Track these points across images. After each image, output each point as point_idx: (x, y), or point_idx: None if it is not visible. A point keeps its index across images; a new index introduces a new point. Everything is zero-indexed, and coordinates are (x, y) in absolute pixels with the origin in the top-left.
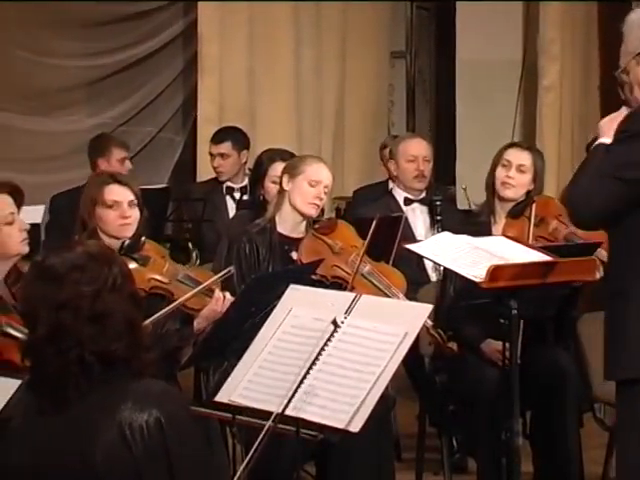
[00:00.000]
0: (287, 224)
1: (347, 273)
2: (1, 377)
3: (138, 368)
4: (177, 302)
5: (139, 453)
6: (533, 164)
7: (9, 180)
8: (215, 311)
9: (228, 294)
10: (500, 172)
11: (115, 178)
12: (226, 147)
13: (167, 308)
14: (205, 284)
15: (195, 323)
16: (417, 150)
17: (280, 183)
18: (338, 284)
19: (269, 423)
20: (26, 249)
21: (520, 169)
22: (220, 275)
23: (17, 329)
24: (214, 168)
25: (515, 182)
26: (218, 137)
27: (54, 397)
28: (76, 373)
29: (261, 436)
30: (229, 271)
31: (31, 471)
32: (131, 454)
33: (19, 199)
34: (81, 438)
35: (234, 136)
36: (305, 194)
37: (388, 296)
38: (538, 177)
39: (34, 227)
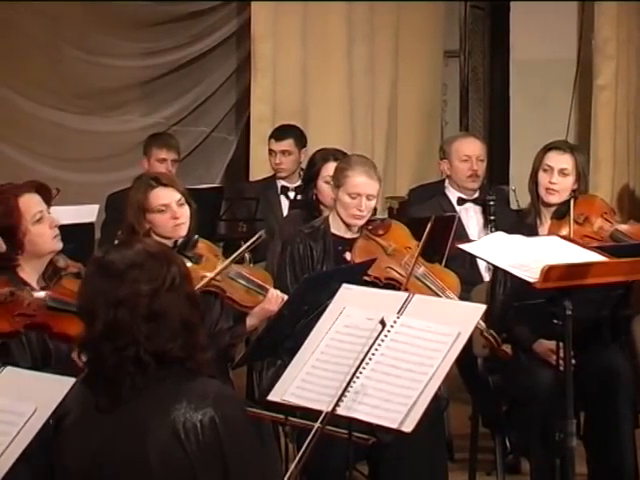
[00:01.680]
0: (340, 225)
1: (401, 275)
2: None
3: (193, 368)
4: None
5: (193, 452)
6: (575, 166)
7: (36, 179)
8: (267, 309)
9: (279, 292)
10: (543, 178)
11: (158, 180)
12: (288, 144)
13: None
14: (235, 255)
15: (247, 320)
16: (471, 150)
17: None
18: (391, 285)
19: (317, 424)
20: (59, 246)
21: (563, 173)
22: (251, 241)
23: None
24: (275, 165)
25: (558, 187)
26: (280, 134)
27: (110, 394)
28: (131, 371)
29: (310, 435)
30: (260, 236)
31: (87, 468)
32: (185, 453)
33: (47, 196)
34: (135, 436)
35: (295, 134)
36: (346, 206)
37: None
38: (582, 177)
39: (88, 226)
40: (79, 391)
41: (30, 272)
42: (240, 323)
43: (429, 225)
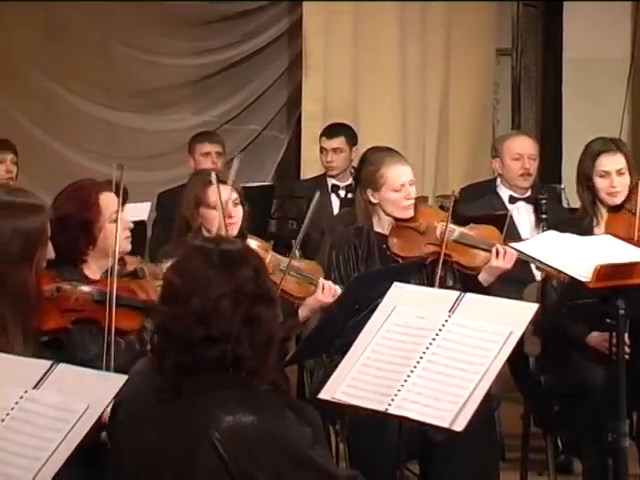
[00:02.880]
0: (384, 224)
1: (438, 245)
2: (106, 372)
3: (254, 382)
4: None
5: (236, 458)
6: (627, 161)
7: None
8: (320, 300)
9: (332, 283)
10: (601, 183)
11: (217, 178)
12: (340, 142)
13: None
14: (299, 238)
15: (300, 312)
16: (523, 148)
17: (366, 196)
18: (437, 260)
19: None
20: (128, 247)
21: (620, 173)
22: (313, 204)
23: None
24: (326, 163)
25: (620, 187)
26: (331, 132)
27: (175, 381)
28: (209, 366)
29: None
30: (316, 196)
31: (140, 458)
32: (225, 461)
33: (124, 198)
34: (186, 434)
35: (347, 132)
36: (395, 202)
37: (487, 250)
38: (633, 167)
39: (140, 224)
40: (139, 381)
41: (96, 270)
42: (293, 316)
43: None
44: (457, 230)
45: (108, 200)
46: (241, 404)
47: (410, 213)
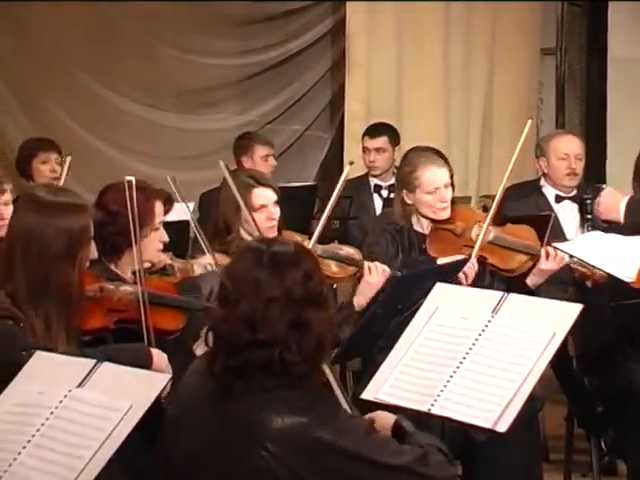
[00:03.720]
0: (423, 224)
1: (473, 247)
2: (150, 371)
3: (306, 384)
4: None
5: (285, 461)
6: None
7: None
8: (370, 283)
9: (379, 263)
10: None
11: (257, 180)
12: (383, 141)
13: None
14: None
15: (354, 300)
16: (569, 148)
17: (400, 195)
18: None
19: None
20: (157, 258)
21: None
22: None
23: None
24: (369, 163)
25: None
26: (374, 132)
27: (224, 384)
28: (257, 370)
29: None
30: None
31: (194, 456)
32: (272, 464)
33: (168, 209)
34: (235, 436)
35: (389, 132)
36: (429, 204)
37: (522, 252)
38: None
39: (183, 223)
40: (193, 380)
41: (125, 269)
42: (348, 304)
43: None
44: (493, 231)
45: (159, 209)
46: (291, 406)
47: (445, 215)
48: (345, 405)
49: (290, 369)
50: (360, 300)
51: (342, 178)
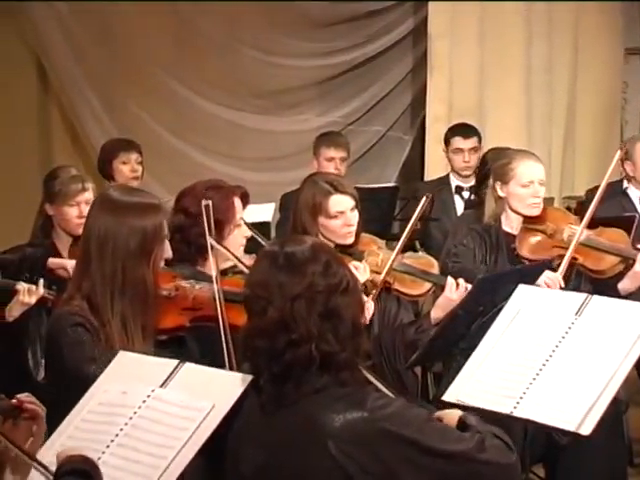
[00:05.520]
0: (512, 224)
1: (564, 248)
2: (232, 372)
3: (352, 377)
4: None
5: (351, 456)
6: None
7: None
8: (450, 298)
9: (462, 280)
10: None
11: (335, 187)
12: (475, 141)
13: None
14: (403, 238)
15: (432, 313)
16: None
17: (494, 189)
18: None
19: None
20: (241, 255)
21: None
22: (420, 207)
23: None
24: (464, 162)
25: None
26: (467, 132)
27: (274, 392)
28: (300, 370)
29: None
30: (427, 197)
31: (257, 471)
32: (339, 461)
33: (245, 203)
34: (294, 443)
35: (477, 132)
36: (521, 198)
37: (614, 254)
38: None
39: (264, 225)
40: (248, 396)
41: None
42: (425, 316)
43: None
44: (585, 233)
45: (239, 205)
46: (347, 402)
47: (536, 212)
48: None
49: (332, 360)
50: (438, 313)
51: (418, 209)
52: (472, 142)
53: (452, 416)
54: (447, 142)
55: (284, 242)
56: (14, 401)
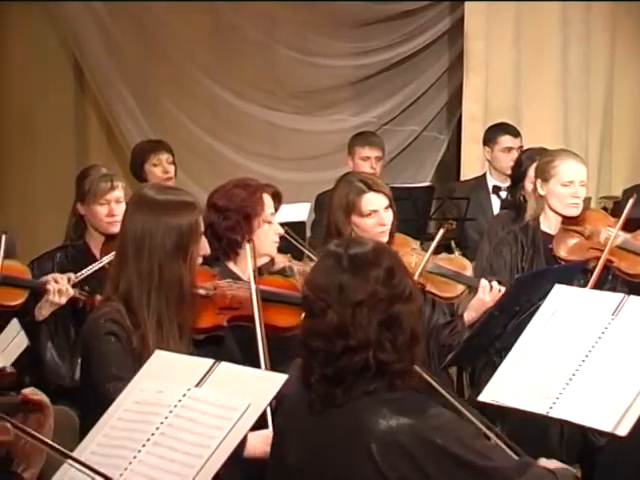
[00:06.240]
0: (551, 224)
1: (601, 250)
2: (267, 371)
3: (404, 382)
4: None
5: (393, 463)
6: None
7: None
8: (483, 301)
9: (495, 283)
10: None
11: (369, 185)
12: (522, 140)
13: None
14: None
15: (465, 315)
16: None
17: (534, 187)
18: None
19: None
20: (275, 252)
21: None
22: (439, 238)
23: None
24: (511, 161)
25: None
26: (516, 131)
27: (325, 394)
28: (354, 375)
29: None
30: (445, 227)
31: (301, 470)
32: (380, 467)
33: (277, 203)
34: (341, 444)
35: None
36: (562, 197)
37: None
38: None
39: (299, 224)
40: (295, 387)
41: (245, 268)
42: (459, 318)
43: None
44: (622, 236)
45: (269, 201)
46: (396, 407)
47: (574, 212)
48: (455, 402)
49: (388, 369)
50: (471, 315)
51: (437, 239)
52: (520, 141)
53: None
54: (491, 141)
55: (348, 243)
56: (20, 397)
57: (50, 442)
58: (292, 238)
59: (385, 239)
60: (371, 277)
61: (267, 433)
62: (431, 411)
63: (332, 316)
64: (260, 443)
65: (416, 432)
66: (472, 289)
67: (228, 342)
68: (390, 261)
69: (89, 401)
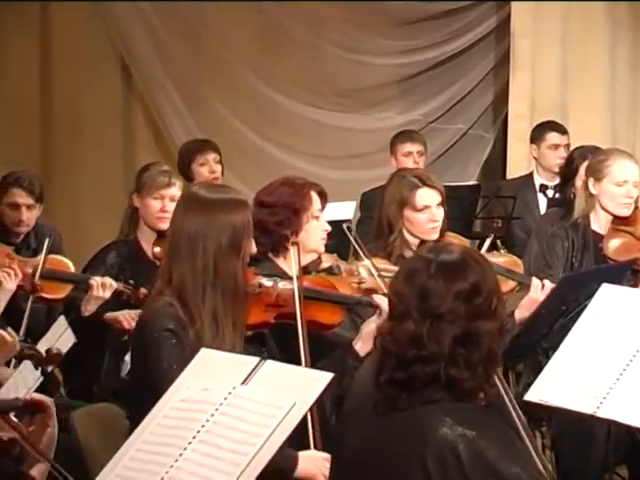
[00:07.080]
0: (601, 223)
1: None
2: (313, 370)
3: (475, 397)
4: None
5: (444, 472)
6: None
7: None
8: (534, 300)
9: (547, 282)
10: None
11: (422, 180)
12: (568, 139)
13: None
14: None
15: (516, 314)
16: None
17: (586, 185)
18: None
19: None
20: (322, 248)
21: None
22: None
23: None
24: (559, 159)
25: None
26: (563, 128)
27: (389, 397)
28: (422, 383)
29: None
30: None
31: (356, 455)
32: (429, 473)
33: (323, 202)
34: (400, 446)
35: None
36: (615, 197)
37: None
38: None
39: (345, 223)
40: (365, 382)
41: (292, 266)
42: (509, 316)
43: None
44: None
45: (317, 198)
46: (459, 417)
47: (626, 212)
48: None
49: (457, 385)
50: (523, 313)
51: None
52: (567, 138)
53: None
54: (538, 138)
55: (439, 250)
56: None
57: (37, 449)
58: (349, 233)
59: (436, 236)
60: (455, 289)
61: (320, 455)
62: (494, 428)
63: (409, 324)
64: (312, 465)
65: (471, 445)
66: (523, 286)
67: (268, 341)
68: (477, 276)
69: (140, 399)
